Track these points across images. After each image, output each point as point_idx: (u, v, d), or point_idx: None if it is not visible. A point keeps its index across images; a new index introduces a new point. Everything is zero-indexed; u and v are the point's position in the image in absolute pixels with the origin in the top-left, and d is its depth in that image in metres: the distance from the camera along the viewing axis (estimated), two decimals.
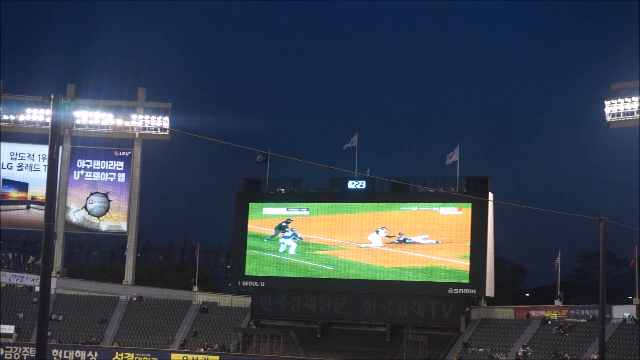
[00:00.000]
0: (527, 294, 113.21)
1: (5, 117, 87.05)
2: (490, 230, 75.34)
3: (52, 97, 18.51)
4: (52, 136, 18.49)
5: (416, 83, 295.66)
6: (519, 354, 71.20)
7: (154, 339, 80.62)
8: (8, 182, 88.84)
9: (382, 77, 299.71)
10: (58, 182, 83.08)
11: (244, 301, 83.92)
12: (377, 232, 77.67)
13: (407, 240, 76.56)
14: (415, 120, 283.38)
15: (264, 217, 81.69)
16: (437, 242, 75.61)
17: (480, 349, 72.91)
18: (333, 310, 78.46)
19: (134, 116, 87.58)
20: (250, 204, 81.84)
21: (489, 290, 75.52)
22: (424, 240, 76.17)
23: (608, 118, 76.55)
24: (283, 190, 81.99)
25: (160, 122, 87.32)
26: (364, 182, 78.51)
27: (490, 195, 74.92)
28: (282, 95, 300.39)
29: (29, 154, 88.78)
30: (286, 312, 79.83)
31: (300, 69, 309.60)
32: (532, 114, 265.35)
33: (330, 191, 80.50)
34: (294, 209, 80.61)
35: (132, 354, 77.49)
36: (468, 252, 74.36)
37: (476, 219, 74.46)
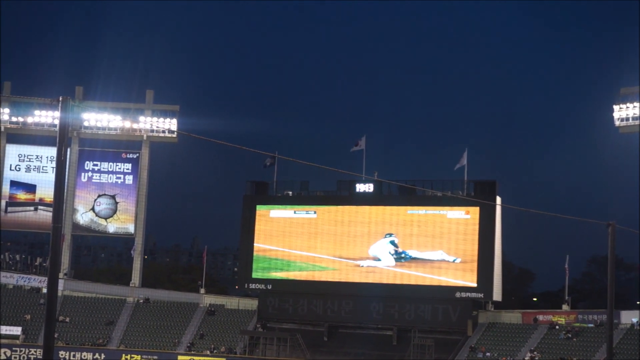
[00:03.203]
0: (535, 299, 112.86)
1: (13, 119, 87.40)
2: (498, 234, 75.09)
3: (60, 99, 18.47)
4: (60, 138, 18.44)
5: (424, 86, 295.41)
6: (526, 358, 70.96)
7: (160, 341, 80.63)
8: (16, 184, 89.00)
9: (390, 80, 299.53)
10: (66, 184, 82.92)
11: (251, 304, 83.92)
12: (390, 242, 76.40)
13: (410, 257, 75.81)
14: (423, 124, 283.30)
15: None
16: (455, 261, 74.48)
17: (488, 353, 72.70)
18: (340, 314, 78.34)
19: (141, 118, 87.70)
20: (258, 206, 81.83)
21: (497, 295, 75.29)
22: (437, 256, 75.15)
23: (617, 122, 76.34)
24: (290, 193, 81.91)
25: (168, 125, 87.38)
26: (372, 185, 78.35)
27: (498, 199, 74.69)
28: (290, 97, 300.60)
29: (37, 155, 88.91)
30: (293, 314, 79.77)
31: (308, 71, 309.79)
32: (540, 118, 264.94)
33: (338, 194, 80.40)
34: (302, 212, 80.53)
35: (139, 356, 77.57)
36: (475, 256, 74.15)
37: (484, 222, 74.22)
